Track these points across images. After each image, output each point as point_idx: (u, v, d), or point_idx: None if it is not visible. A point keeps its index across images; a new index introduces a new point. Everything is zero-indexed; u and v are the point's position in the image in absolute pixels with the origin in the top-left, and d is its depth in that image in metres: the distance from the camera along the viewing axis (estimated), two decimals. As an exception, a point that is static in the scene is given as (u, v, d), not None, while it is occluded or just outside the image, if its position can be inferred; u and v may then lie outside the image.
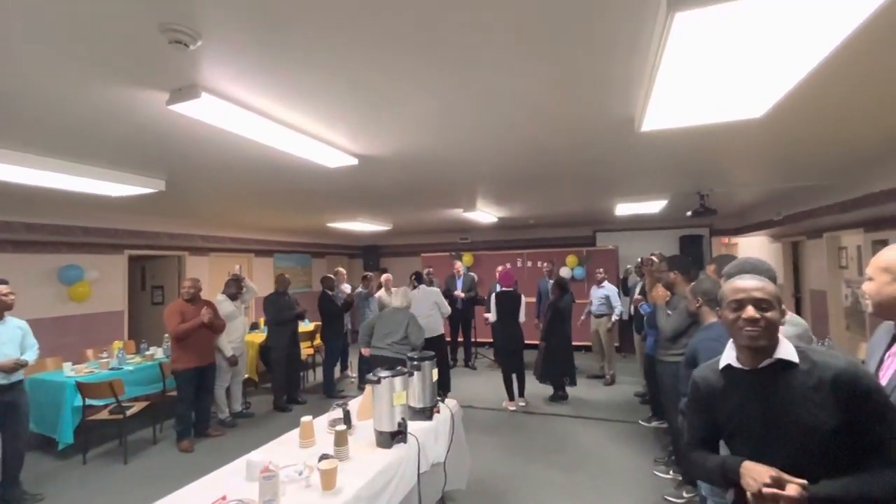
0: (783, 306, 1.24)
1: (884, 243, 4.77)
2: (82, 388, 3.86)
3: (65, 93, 1.94)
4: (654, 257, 4.17)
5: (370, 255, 10.08)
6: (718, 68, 1.62)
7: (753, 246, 8.19)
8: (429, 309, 4.93)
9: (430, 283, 5.78)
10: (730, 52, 1.48)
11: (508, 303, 4.97)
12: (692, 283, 2.50)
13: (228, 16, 1.40)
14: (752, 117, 2.16)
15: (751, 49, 1.47)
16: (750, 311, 1.20)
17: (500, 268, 6.71)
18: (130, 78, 1.82)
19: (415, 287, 5.15)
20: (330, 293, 5.70)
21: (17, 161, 2.73)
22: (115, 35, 1.49)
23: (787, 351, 1.20)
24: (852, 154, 3.36)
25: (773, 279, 1.77)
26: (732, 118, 2.21)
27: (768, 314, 1.20)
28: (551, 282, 5.56)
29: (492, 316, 5.09)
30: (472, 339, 7.21)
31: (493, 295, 5.12)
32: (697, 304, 2.35)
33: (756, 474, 1.12)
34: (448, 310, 5.15)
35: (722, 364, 1.28)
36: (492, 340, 7.28)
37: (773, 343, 1.21)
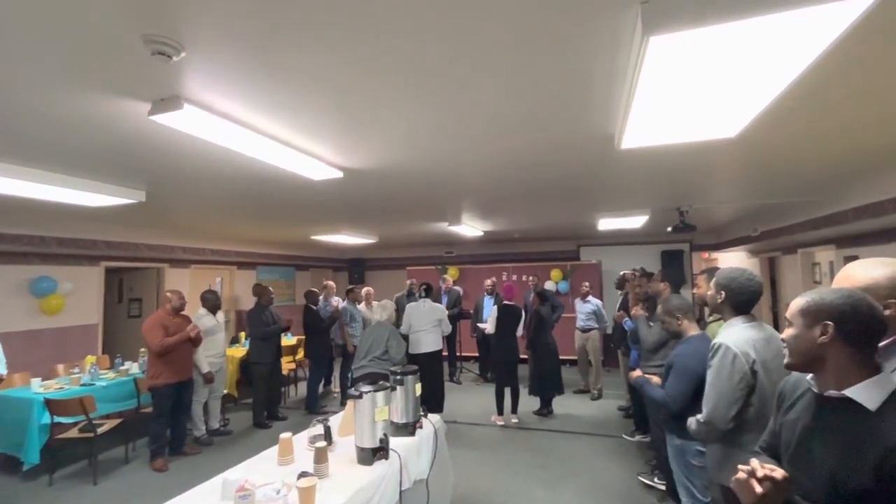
0: (810, 321, 1.07)
1: (855, 259, 4.93)
2: (51, 404, 3.71)
3: (43, 101, 1.91)
4: (636, 271, 4.24)
5: (355, 268, 10.01)
6: (692, 90, 1.68)
7: (732, 261, 8.40)
8: (431, 325, 4.83)
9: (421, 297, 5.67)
10: (702, 74, 1.54)
11: (510, 316, 4.97)
12: (660, 305, 2.51)
13: (213, 28, 1.41)
14: (726, 136, 2.24)
15: (722, 72, 1.53)
16: (784, 332, 1.15)
17: (487, 281, 6.73)
18: (111, 88, 1.80)
19: (421, 298, 5.03)
20: (314, 308, 5.61)
21: (-9, 170, 2.66)
22: (96, 45, 1.48)
23: (865, 393, 1.00)
24: (823, 173, 3.49)
25: (719, 285, 1.80)
26: (707, 137, 2.28)
27: (787, 332, 1.13)
28: (533, 294, 5.61)
29: (490, 327, 5.04)
30: (458, 354, 7.17)
31: (496, 307, 5.07)
32: (679, 322, 2.37)
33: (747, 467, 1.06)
34: (449, 329, 4.99)
35: (808, 377, 1.16)
36: (476, 355, 7.31)
37: (805, 363, 1.10)
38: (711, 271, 2.51)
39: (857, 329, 1.02)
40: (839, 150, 2.89)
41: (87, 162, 2.80)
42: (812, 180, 3.72)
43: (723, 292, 1.78)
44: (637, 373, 2.48)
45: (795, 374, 1.22)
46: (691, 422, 1.75)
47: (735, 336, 1.68)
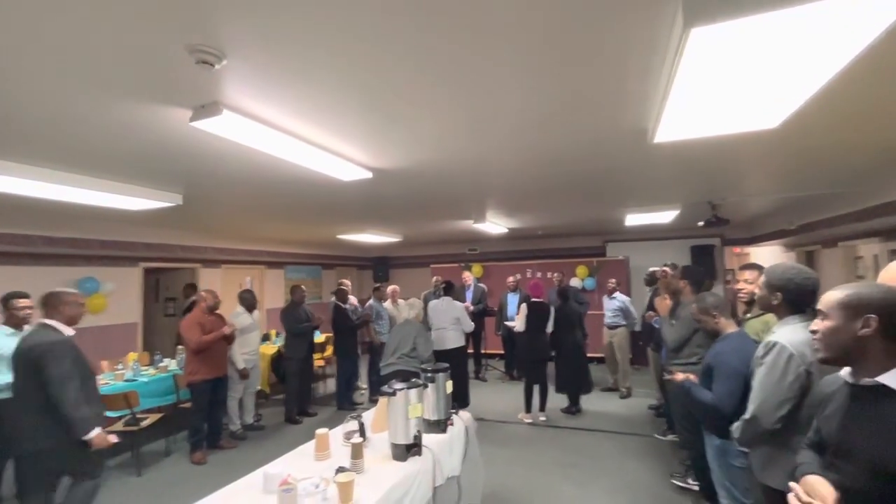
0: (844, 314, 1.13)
1: (902, 253, 4.68)
2: (98, 399, 3.89)
3: (91, 112, 2.01)
4: (667, 269, 4.14)
5: (380, 266, 10.12)
6: (733, 81, 1.63)
7: (767, 256, 8.09)
8: (450, 322, 4.88)
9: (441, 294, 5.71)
10: (745, 65, 1.49)
11: (538, 314, 4.95)
12: (695, 304, 2.45)
13: (252, 37, 1.45)
14: (768, 128, 2.16)
15: (766, 62, 1.48)
16: (812, 323, 1.21)
17: (510, 279, 6.71)
18: (156, 97, 1.88)
19: (440, 296, 5.08)
20: (343, 306, 5.71)
21: (42, 177, 2.81)
22: (144, 57, 1.54)
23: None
24: (868, 163, 3.34)
25: (773, 286, 1.74)
26: (747, 129, 2.21)
27: (823, 324, 1.18)
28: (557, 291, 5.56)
29: (519, 325, 5.03)
30: (483, 351, 7.17)
31: (524, 305, 5.06)
32: (716, 320, 2.31)
33: (812, 492, 1.11)
34: (470, 326, 5.02)
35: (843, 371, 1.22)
36: (502, 353, 7.30)
37: (842, 355, 1.15)
38: (762, 267, 2.41)
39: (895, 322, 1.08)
40: (889, 138, 2.75)
41: (131, 168, 2.92)
42: (857, 170, 3.56)
43: (779, 294, 1.71)
44: (681, 376, 2.38)
45: (829, 375, 1.28)
46: (735, 429, 1.70)
47: (791, 336, 1.62)
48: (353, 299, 6.25)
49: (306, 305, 5.45)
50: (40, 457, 2.43)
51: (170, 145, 2.49)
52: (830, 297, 1.18)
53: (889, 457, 1.02)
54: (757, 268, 2.48)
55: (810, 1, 1.15)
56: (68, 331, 2.59)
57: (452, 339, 4.85)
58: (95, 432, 2.47)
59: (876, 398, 1.08)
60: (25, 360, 2.45)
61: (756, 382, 1.64)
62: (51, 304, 2.59)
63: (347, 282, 6.35)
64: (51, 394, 2.40)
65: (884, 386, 1.06)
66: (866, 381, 1.10)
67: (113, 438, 2.58)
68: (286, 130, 2.27)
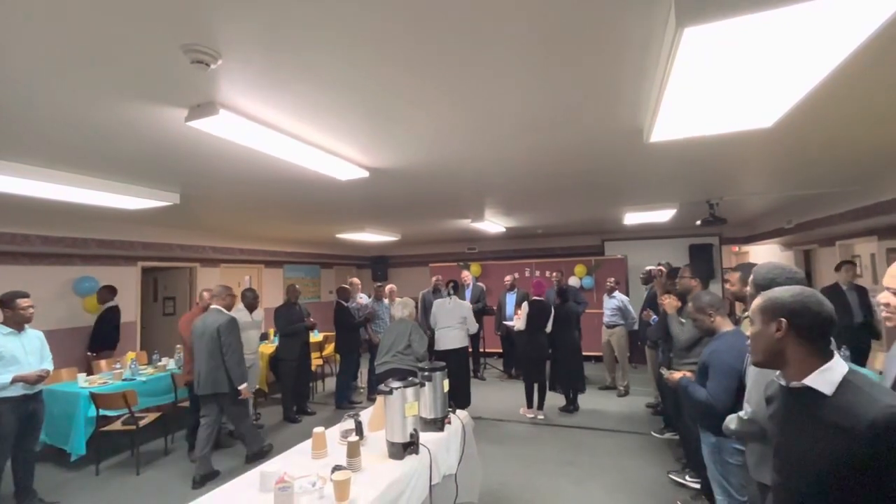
0: (763, 318, 1.17)
1: (898, 251, 4.70)
2: (96, 398, 3.90)
3: (88, 111, 2.01)
4: (661, 268, 4.16)
5: (378, 265, 10.12)
6: (727, 80, 1.63)
7: (765, 254, 8.12)
8: (457, 321, 4.87)
9: (441, 294, 5.71)
10: (738, 64, 1.50)
11: (539, 312, 4.97)
12: (691, 302, 2.47)
13: (247, 36, 1.45)
14: (762, 127, 2.17)
15: (759, 61, 1.48)
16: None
17: (507, 277, 6.72)
18: (152, 97, 1.88)
19: (449, 295, 5.10)
20: (345, 304, 5.71)
21: (39, 176, 2.81)
22: (139, 56, 1.55)
23: (820, 379, 1.09)
24: (864, 162, 3.35)
25: (758, 286, 1.75)
26: (741, 128, 2.22)
27: (750, 330, 1.23)
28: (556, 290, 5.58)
29: (520, 324, 5.04)
30: (481, 350, 7.19)
31: (526, 303, 5.06)
32: (711, 318, 2.32)
33: None
34: (475, 327, 5.03)
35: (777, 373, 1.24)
36: (500, 351, 7.31)
37: (768, 358, 1.18)
38: (745, 268, 2.43)
39: (807, 324, 1.11)
40: (883, 137, 2.76)
41: (127, 167, 2.92)
42: (853, 169, 3.57)
43: None
44: (679, 374, 2.39)
45: (773, 374, 1.30)
46: (730, 420, 1.71)
47: None
48: (362, 298, 6.23)
49: (304, 305, 5.44)
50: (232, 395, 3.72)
51: (166, 145, 2.49)
52: (753, 303, 1.23)
53: (814, 457, 1.05)
54: (741, 269, 2.49)
55: (803, 0, 1.16)
56: (227, 313, 3.82)
57: (457, 338, 4.85)
58: (245, 385, 3.77)
59: (806, 400, 1.11)
60: (210, 332, 3.66)
61: (750, 382, 1.65)
62: (219, 295, 3.90)
63: (357, 280, 6.34)
64: (224, 352, 3.64)
65: (811, 388, 1.09)
66: (795, 384, 1.13)
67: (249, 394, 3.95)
68: (283, 130, 2.27)
